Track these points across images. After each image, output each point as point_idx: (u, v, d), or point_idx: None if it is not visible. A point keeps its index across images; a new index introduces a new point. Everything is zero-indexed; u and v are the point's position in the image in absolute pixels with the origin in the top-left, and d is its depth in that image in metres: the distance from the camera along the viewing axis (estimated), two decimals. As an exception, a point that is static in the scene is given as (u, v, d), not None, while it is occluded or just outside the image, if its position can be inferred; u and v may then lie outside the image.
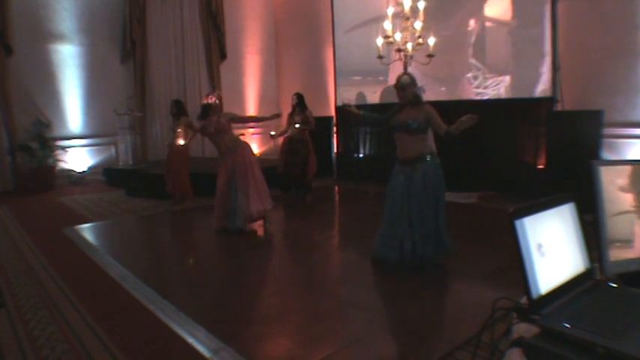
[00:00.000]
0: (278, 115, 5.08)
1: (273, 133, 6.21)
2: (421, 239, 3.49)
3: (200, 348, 2.42)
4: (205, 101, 4.79)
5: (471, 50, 6.72)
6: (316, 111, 6.81)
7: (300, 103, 6.17)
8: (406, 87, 3.52)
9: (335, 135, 8.85)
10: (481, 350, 1.32)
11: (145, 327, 2.72)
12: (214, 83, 9.67)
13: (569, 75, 5.73)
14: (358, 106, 7.92)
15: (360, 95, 8.32)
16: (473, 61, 6.71)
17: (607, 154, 5.38)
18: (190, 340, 2.50)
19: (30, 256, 4.12)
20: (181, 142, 6.24)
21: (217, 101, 4.73)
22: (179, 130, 6.20)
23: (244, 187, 4.67)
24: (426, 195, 3.47)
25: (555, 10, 5.75)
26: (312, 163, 6.43)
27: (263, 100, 10.71)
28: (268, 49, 10.81)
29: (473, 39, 6.69)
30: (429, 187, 3.48)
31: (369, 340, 2.56)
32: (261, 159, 9.84)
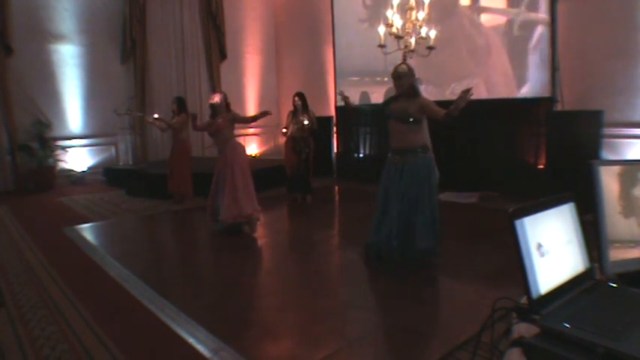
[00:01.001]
0: (267, 113, 4.94)
1: (284, 130, 6.25)
2: (396, 232, 3.52)
3: (200, 348, 2.42)
4: (210, 102, 4.81)
5: (469, 50, 6.71)
6: (316, 111, 6.81)
7: (303, 103, 6.18)
8: (402, 76, 3.52)
9: (335, 135, 8.85)
10: (481, 350, 1.32)
11: (145, 327, 2.72)
12: (214, 83, 9.67)
13: (569, 75, 5.73)
14: (361, 106, 7.98)
15: (364, 95, 8.32)
16: (471, 60, 6.71)
17: (607, 154, 5.38)
18: (190, 340, 2.50)
19: (30, 256, 4.12)
20: (155, 115, 6.24)
21: (220, 101, 4.72)
22: (175, 119, 6.23)
23: (223, 189, 4.68)
24: (409, 190, 3.49)
25: (555, 10, 5.75)
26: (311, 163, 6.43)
27: (263, 100, 10.70)
28: (268, 49, 10.81)
29: (471, 39, 6.68)
30: (414, 181, 3.49)
31: (369, 340, 2.56)
32: (261, 159, 9.88)
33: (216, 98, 4.75)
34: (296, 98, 6.16)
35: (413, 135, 3.54)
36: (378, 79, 8.02)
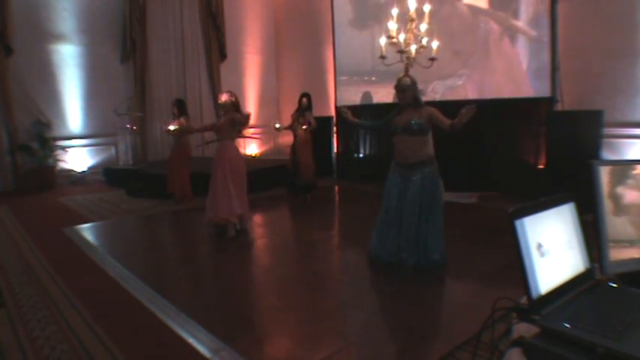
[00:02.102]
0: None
1: (277, 125, 6.27)
2: (405, 245, 3.51)
3: (200, 348, 2.42)
4: (218, 101, 4.81)
5: (469, 50, 6.71)
6: (316, 111, 6.83)
7: (309, 104, 6.30)
8: (406, 89, 3.52)
9: (335, 135, 8.85)
10: (481, 350, 1.32)
11: (145, 327, 2.72)
12: (214, 83, 9.67)
13: (569, 75, 5.73)
14: (363, 106, 8.01)
15: (366, 95, 8.32)
16: (472, 61, 6.71)
17: (607, 154, 5.38)
18: (190, 340, 2.50)
19: (30, 256, 4.12)
20: (171, 127, 6.21)
21: (225, 101, 4.67)
22: (176, 121, 6.20)
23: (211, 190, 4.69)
24: (420, 202, 3.48)
25: (555, 10, 5.75)
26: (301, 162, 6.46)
27: (263, 100, 10.70)
28: (268, 49, 10.81)
29: (472, 38, 6.68)
30: (425, 194, 3.48)
31: (369, 340, 2.56)
32: (261, 159, 9.88)
33: (223, 97, 4.72)
34: (304, 99, 6.26)
35: (420, 147, 3.52)
36: (373, 78, 8.06)
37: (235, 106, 4.70)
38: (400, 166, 3.59)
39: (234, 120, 4.68)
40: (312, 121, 6.26)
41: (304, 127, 6.17)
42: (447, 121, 3.40)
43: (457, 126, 3.27)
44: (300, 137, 6.27)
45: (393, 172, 3.65)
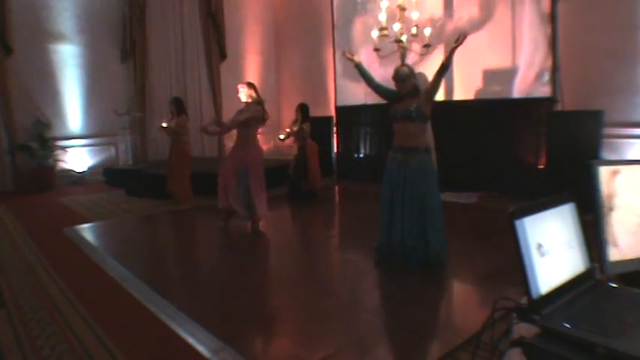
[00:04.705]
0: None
1: (281, 136, 6.55)
2: (408, 233, 3.52)
3: (200, 348, 2.42)
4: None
5: (469, 49, 6.69)
6: (316, 111, 6.87)
7: (304, 114, 6.50)
8: (405, 79, 3.54)
9: (335, 135, 8.85)
10: (481, 350, 1.31)
11: (145, 327, 2.72)
12: (214, 83, 9.67)
13: (569, 75, 5.73)
14: (363, 106, 8.02)
15: (370, 94, 8.36)
16: (471, 60, 6.70)
17: (607, 154, 5.38)
18: (190, 340, 2.50)
19: (30, 256, 4.12)
20: (164, 124, 6.20)
21: (244, 94, 4.71)
22: (173, 122, 6.21)
23: (247, 188, 4.70)
24: (418, 189, 3.50)
25: (555, 10, 5.75)
26: (310, 170, 6.51)
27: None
28: (268, 49, 10.81)
29: (472, 38, 6.67)
30: (420, 181, 3.50)
31: (369, 340, 2.56)
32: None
33: (243, 98, 4.79)
34: (297, 112, 6.56)
35: (418, 135, 3.55)
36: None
37: (255, 99, 4.80)
38: (398, 153, 3.61)
39: (253, 117, 4.69)
40: (306, 131, 6.50)
41: (281, 137, 6.54)
42: (433, 76, 3.49)
43: (451, 55, 3.44)
44: (308, 145, 6.48)
45: (390, 162, 3.66)
